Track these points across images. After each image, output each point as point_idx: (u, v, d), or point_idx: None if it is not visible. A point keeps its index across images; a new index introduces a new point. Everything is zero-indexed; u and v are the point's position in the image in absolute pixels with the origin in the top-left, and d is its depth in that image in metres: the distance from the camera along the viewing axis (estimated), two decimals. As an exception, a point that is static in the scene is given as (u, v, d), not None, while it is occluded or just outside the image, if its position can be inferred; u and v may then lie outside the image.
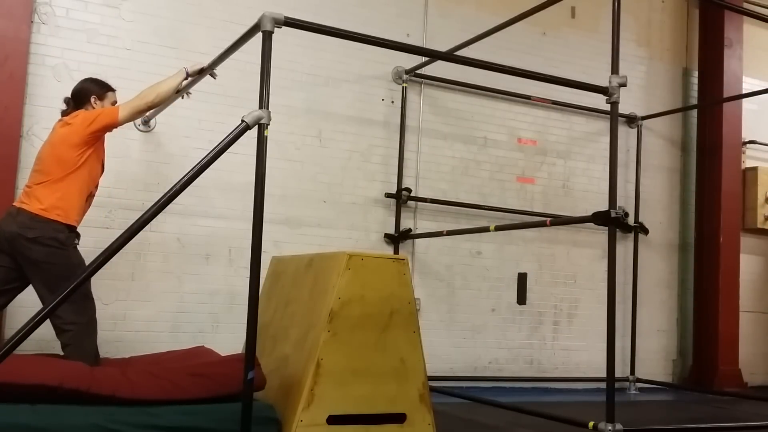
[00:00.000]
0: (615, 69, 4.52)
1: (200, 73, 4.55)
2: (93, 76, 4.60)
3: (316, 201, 6.31)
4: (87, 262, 3.41)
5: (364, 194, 6.52)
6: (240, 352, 4.16)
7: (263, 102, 3.51)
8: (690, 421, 5.87)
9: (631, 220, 7.67)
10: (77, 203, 4.15)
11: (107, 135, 4.32)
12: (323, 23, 4.06)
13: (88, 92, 4.35)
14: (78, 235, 4.22)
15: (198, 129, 5.76)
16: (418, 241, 6.66)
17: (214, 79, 4.70)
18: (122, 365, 4.13)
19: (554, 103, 7.37)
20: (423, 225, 6.73)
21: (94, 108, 4.31)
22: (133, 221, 3.38)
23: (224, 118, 5.29)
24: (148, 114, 5.07)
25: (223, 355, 4.29)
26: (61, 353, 4.09)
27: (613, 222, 4.31)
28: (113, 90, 4.47)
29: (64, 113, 4.37)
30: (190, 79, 4.54)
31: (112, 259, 3.32)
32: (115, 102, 4.43)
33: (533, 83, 6.49)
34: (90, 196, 4.30)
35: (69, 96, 4.42)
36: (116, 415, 3.33)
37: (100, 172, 4.36)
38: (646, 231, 7.81)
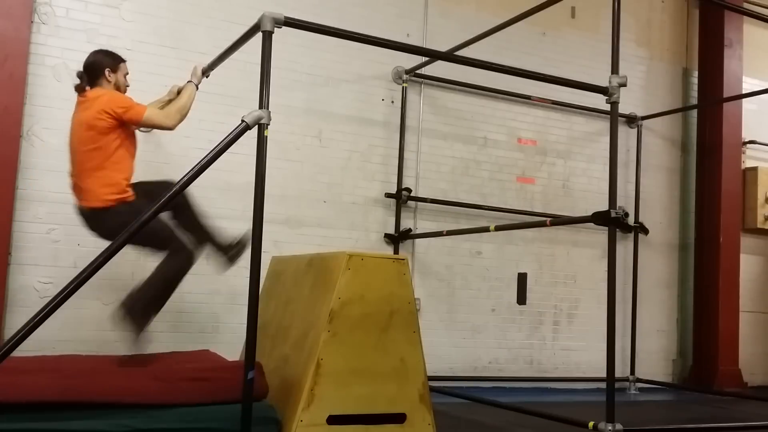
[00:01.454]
0: (615, 69, 4.52)
1: (202, 74, 4.60)
2: (103, 48, 4.59)
3: (316, 201, 6.31)
4: (87, 262, 3.40)
5: (364, 194, 6.52)
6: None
7: (263, 102, 3.51)
8: (690, 421, 5.87)
9: (631, 220, 7.65)
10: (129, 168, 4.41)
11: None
12: (323, 23, 4.07)
13: (101, 65, 4.35)
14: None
15: (198, 129, 5.74)
16: (418, 241, 6.66)
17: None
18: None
19: (554, 103, 7.37)
20: (423, 225, 6.73)
21: (108, 81, 4.34)
22: (133, 221, 3.38)
23: (224, 118, 5.28)
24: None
25: (227, 358, 4.27)
26: (65, 352, 4.08)
27: (613, 222, 4.31)
28: (124, 60, 4.49)
29: (78, 88, 4.35)
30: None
31: (112, 259, 3.33)
32: (127, 73, 4.47)
33: (533, 83, 6.49)
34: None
35: (81, 70, 4.39)
36: (118, 419, 3.32)
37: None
38: (646, 231, 7.81)
